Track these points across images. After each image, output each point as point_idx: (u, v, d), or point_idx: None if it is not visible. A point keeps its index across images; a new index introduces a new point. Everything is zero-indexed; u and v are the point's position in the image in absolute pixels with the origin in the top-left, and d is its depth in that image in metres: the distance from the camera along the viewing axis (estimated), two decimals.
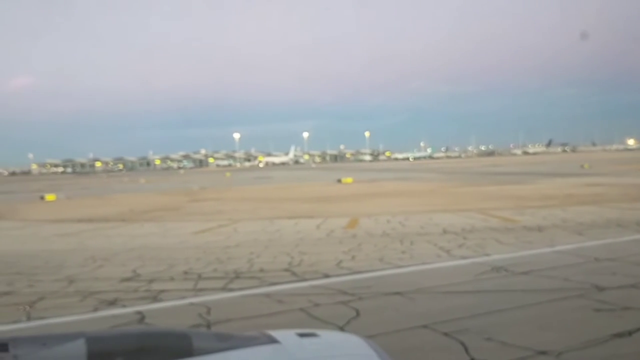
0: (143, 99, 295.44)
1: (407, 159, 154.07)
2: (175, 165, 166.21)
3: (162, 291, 7.49)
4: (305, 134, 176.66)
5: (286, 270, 8.65)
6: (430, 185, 32.53)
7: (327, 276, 8.07)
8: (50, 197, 32.88)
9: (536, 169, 48.07)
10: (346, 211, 18.15)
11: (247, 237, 12.98)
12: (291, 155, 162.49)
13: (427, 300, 6.54)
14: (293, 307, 6.38)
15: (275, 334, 2.03)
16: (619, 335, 4.92)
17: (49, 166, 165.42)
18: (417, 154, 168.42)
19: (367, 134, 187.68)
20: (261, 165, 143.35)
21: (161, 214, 20.35)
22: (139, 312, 6.39)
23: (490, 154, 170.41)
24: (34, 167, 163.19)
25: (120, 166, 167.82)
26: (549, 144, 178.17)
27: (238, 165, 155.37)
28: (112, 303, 6.96)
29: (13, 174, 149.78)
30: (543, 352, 4.56)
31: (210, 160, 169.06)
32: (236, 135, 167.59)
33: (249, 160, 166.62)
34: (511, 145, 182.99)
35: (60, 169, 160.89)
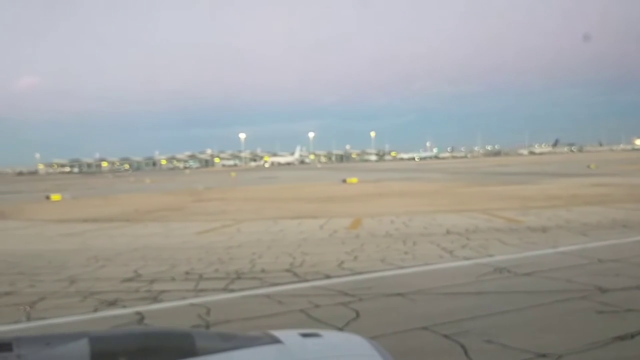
0: (149, 100, 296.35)
1: (413, 159, 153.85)
2: (181, 165, 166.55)
3: (163, 292, 7.48)
4: (311, 134, 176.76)
5: (287, 270, 8.63)
6: (435, 185, 32.43)
7: (328, 277, 8.03)
8: (55, 197, 32.99)
9: (542, 169, 47.86)
10: (350, 211, 18.11)
11: (250, 238, 12.97)
12: (297, 155, 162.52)
13: (428, 301, 6.50)
14: (293, 308, 6.35)
15: (278, 334, 2.02)
16: (621, 337, 4.86)
17: (55, 166, 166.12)
18: (423, 154, 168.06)
19: (372, 134, 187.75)
20: (267, 165, 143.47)
21: (165, 214, 20.38)
22: (138, 313, 6.38)
23: (496, 154, 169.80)
24: (41, 167, 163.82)
25: (127, 166, 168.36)
26: (555, 144, 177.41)
27: (244, 165, 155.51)
28: (112, 303, 6.95)
29: (20, 173, 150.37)
30: (543, 355, 4.51)
31: (216, 160, 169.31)
32: (242, 136, 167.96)
33: (254, 160, 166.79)
34: (518, 145, 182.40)
35: (67, 169, 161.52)
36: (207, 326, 5.74)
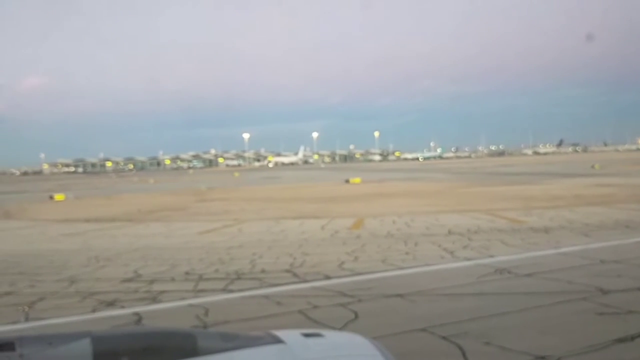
0: (153, 100, 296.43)
1: (417, 159, 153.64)
2: (185, 165, 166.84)
3: (162, 292, 7.47)
4: (315, 134, 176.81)
5: (287, 271, 8.60)
6: (438, 185, 32.38)
7: (328, 277, 8.00)
8: (59, 196, 33.10)
9: (546, 169, 47.72)
10: (352, 212, 18.08)
11: (251, 238, 12.95)
12: (300, 155, 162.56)
13: (428, 302, 6.46)
14: (291, 309, 6.32)
15: (280, 333, 2.02)
16: (621, 340, 4.81)
17: (60, 166, 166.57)
18: (427, 154, 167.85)
19: (376, 134, 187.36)
20: (270, 165, 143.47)
21: (168, 214, 20.40)
22: (136, 314, 6.36)
23: (500, 154, 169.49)
24: (46, 166, 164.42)
25: (131, 166, 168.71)
26: (559, 144, 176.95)
27: (247, 165, 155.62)
28: (111, 304, 6.93)
29: (25, 173, 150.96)
30: (542, 357, 4.47)
31: (220, 160, 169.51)
32: (246, 136, 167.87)
33: (258, 160, 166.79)
34: (522, 145, 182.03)
35: (72, 169, 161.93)
36: (205, 327, 5.71)
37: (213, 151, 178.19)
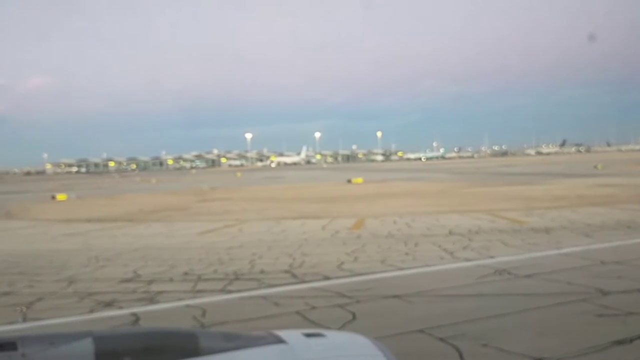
0: (155, 100, 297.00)
1: (419, 159, 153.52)
2: (187, 165, 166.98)
3: (160, 292, 7.45)
4: (317, 134, 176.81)
5: (286, 271, 8.58)
6: (440, 185, 32.33)
7: (327, 278, 7.97)
8: (61, 196, 33.16)
9: (549, 170, 47.61)
10: (354, 212, 18.05)
11: (251, 238, 12.93)
12: (303, 155, 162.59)
13: (426, 303, 6.43)
14: (289, 309, 6.30)
15: (281, 333, 2.02)
16: (620, 342, 4.77)
17: (63, 166, 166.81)
18: (430, 154, 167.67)
19: (379, 134, 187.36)
20: (273, 165, 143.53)
21: (169, 214, 20.40)
22: (134, 314, 6.35)
23: (503, 154, 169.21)
24: (49, 166, 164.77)
25: (134, 166, 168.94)
26: (562, 144, 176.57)
27: (250, 165, 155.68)
28: (109, 304, 6.92)
29: (28, 173, 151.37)
30: (539, 359, 4.43)
31: (223, 160, 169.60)
32: (248, 136, 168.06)
33: (261, 160, 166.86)
34: (525, 145, 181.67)
35: (74, 169, 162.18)
36: (202, 328, 5.69)
37: (216, 151, 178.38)
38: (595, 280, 7.00)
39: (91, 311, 6.64)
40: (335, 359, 1.95)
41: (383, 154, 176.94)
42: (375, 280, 7.75)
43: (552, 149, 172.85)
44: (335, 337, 2.32)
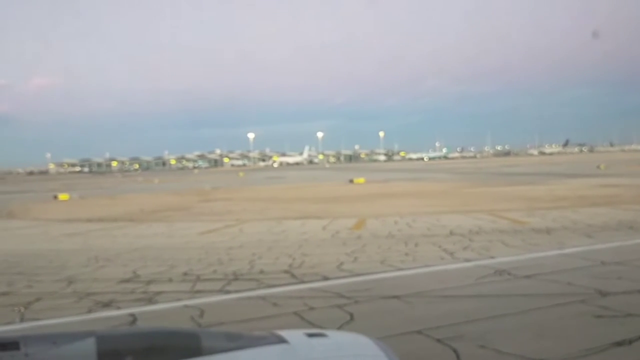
0: (158, 100, 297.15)
1: (422, 159, 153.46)
2: (190, 165, 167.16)
3: (159, 293, 7.44)
4: (320, 134, 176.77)
5: (286, 272, 8.56)
6: (442, 186, 32.28)
7: (326, 278, 7.95)
8: (63, 196, 33.22)
9: (551, 170, 47.52)
10: (355, 212, 18.03)
11: (252, 238, 12.92)
12: (305, 155, 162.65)
13: (425, 304, 6.40)
14: (287, 310, 6.28)
15: (283, 333, 2.01)
16: (619, 343, 4.73)
17: (66, 166, 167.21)
18: (432, 154, 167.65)
19: (381, 134, 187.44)
20: (275, 165, 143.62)
21: (170, 214, 20.41)
22: (131, 315, 6.33)
23: (506, 154, 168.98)
24: (52, 166, 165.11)
25: (136, 166, 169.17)
26: (565, 144, 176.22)
27: (252, 165, 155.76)
28: (107, 305, 6.90)
29: (31, 173, 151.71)
30: None
31: (225, 160, 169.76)
32: (251, 135, 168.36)
33: (263, 160, 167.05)
34: (528, 145, 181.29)
35: (77, 169, 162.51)
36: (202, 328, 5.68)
37: (218, 151, 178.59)
38: (595, 281, 6.95)
39: (89, 311, 6.62)
40: (338, 359, 1.95)
41: (385, 154, 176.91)
42: (374, 281, 7.72)
43: (555, 149, 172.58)
44: (337, 337, 2.32)
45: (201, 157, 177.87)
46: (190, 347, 1.81)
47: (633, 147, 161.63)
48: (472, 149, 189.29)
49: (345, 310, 6.13)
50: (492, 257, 9.06)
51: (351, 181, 38.92)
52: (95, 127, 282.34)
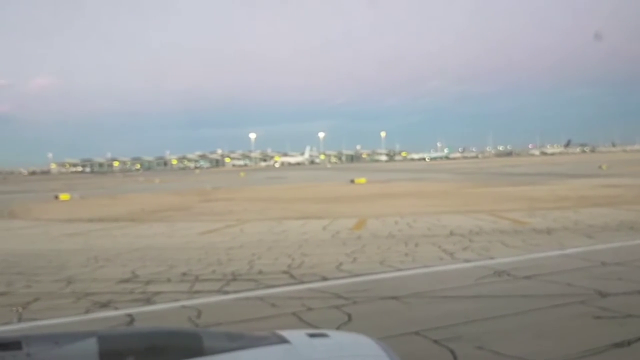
0: (159, 100, 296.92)
1: (423, 159, 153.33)
2: (191, 165, 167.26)
3: (157, 293, 7.42)
4: (321, 134, 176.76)
5: (285, 272, 8.54)
6: (443, 186, 32.25)
7: (325, 279, 7.93)
8: (64, 196, 33.27)
9: (553, 170, 47.47)
10: (355, 212, 18.02)
11: (252, 238, 12.91)
12: (307, 155, 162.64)
13: (423, 305, 6.37)
14: (285, 311, 6.25)
15: (285, 333, 2.01)
16: (618, 345, 4.70)
17: (67, 166, 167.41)
18: (434, 155, 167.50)
19: (383, 134, 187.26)
20: (277, 165, 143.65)
21: (171, 214, 20.42)
22: (129, 315, 6.31)
23: (508, 154, 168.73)
24: (53, 166, 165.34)
25: (138, 166, 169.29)
26: (567, 145, 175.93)
27: (254, 165, 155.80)
28: (105, 305, 6.89)
29: (33, 173, 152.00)
30: None
31: (227, 160, 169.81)
32: (252, 136, 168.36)
33: (265, 160, 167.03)
34: (530, 146, 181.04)
35: (79, 169, 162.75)
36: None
37: (220, 151, 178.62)
38: (595, 282, 6.92)
39: (87, 312, 6.61)
40: (339, 359, 1.95)
41: (387, 154, 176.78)
42: (373, 281, 7.70)
43: (557, 149, 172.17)
44: (339, 338, 2.32)
45: (202, 157, 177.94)
46: (192, 347, 1.81)
47: (635, 147, 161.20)
48: (473, 149, 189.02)
49: (343, 311, 6.11)
50: (492, 258, 9.03)
51: (352, 181, 38.92)
52: (96, 127, 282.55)
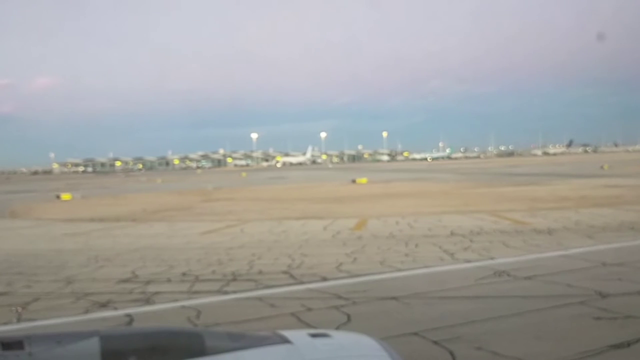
0: (162, 100, 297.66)
1: (425, 159, 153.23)
2: (193, 165, 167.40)
3: (156, 293, 7.42)
4: (323, 134, 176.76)
5: (285, 272, 8.53)
6: (445, 186, 32.21)
7: (324, 279, 7.92)
8: (66, 196, 33.28)
9: (555, 170, 47.38)
10: (356, 212, 17.99)
11: (252, 238, 12.90)
12: (308, 155, 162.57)
13: (423, 305, 6.36)
14: (284, 311, 6.25)
15: (287, 334, 2.02)
16: (617, 346, 4.68)
17: (69, 165, 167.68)
18: (435, 155, 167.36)
19: (384, 134, 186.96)
20: (279, 165, 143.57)
21: (172, 214, 20.41)
22: (128, 315, 6.31)
23: (509, 154, 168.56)
24: (56, 166, 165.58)
25: (140, 166, 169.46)
26: (569, 145, 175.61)
27: (256, 165, 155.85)
28: (104, 305, 6.89)
29: (35, 173, 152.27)
30: None
31: (229, 160, 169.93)
32: (254, 136, 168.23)
33: (266, 160, 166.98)
34: (532, 146, 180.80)
35: (81, 168, 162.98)
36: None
37: (221, 151, 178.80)
38: (595, 283, 6.91)
39: (86, 312, 6.61)
40: None
41: (389, 154, 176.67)
42: (373, 282, 7.69)
43: (559, 149, 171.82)
44: (340, 338, 2.32)
45: (204, 157, 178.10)
46: (194, 347, 1.82)
47: (637, 147, 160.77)
48: (475, 149, 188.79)
49: (342, 311, 6.10)
50: (493, 258, 9.01)
51: (354, 181, 38.89)
52: (98, 127, 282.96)
